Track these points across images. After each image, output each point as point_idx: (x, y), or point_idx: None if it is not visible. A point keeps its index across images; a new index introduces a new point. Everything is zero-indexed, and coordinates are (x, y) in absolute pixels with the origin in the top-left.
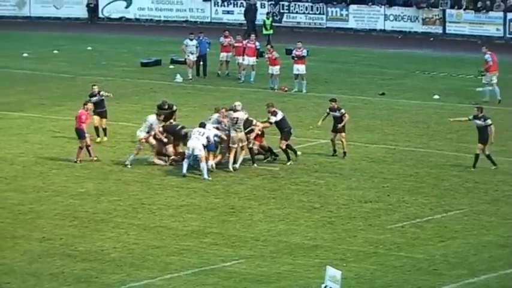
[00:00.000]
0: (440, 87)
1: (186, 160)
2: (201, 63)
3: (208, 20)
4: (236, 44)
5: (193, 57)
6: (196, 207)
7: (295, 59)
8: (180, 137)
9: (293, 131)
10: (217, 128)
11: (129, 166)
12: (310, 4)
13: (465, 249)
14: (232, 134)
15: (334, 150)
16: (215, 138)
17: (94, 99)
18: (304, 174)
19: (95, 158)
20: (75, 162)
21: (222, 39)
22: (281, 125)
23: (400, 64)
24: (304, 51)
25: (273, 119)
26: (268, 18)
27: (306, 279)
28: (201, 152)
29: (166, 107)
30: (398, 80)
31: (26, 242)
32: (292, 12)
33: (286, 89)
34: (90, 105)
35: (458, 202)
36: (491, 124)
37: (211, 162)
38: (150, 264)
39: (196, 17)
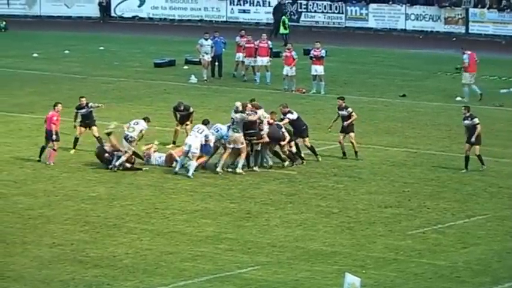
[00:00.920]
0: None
1: (182, 157)
2: (216, 63)
3: (224, 19)
4: (247, 45)
5: (208, 58)
6: (211, 212)
7: (313, 59)
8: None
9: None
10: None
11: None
12: (329, 3)
13: (488, 256)
14: (229, 133)
15: (344, 153)
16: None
17: (82, 111)
18: (322, 178)
19: (52, 163)
20: (47, 164)
21: (238, 38)
22: (298, 124)
23: (422, 65)
24: (323, 51)
25: (291, 116)
26: (286, 17)
27: (324, 286)
28: (196, 151)
29: (182, 108)
30: (420, 81)
31: (35, 248)
32: (310, 11)
33: (303, 90)
34: (60, 107)
35: (481, 207)
36: (478, 123)
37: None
38: (164, 271)
39: (212, 16)
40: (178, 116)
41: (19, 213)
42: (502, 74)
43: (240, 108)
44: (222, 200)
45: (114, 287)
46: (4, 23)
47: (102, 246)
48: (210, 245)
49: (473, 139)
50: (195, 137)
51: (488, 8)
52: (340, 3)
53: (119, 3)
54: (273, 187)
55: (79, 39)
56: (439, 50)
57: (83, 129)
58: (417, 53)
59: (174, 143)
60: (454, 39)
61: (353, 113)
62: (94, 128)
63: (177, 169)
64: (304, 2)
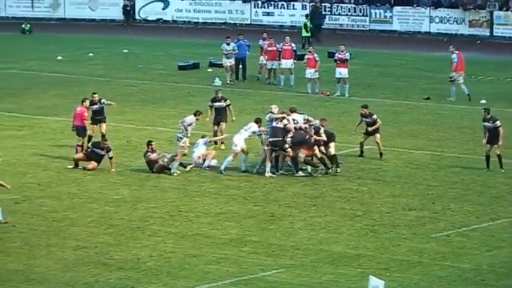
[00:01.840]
0: (487, 92)
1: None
2: (240, 66)
3: (248, 22)
4: (269, 48)
5: (229, 62)
6: (235, 214)
7: (338, 62)
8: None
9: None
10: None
11: (175, 174)
12: (353, 6)
13: None
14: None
15: (362, 151)
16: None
17: (95, 107)
18: (346, 181)
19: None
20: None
21: (261, 42)
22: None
23: (446, 68)
24: (347, 54)
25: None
26: (308, 20)
27: None
28: (237, 148)
29: (220, 97)
30: (444, 84)
31: (60, 250)
32: (335, 14)
33: (328, 93)
34: (87, 102)
35: (505, 210)
36: (500, 126)
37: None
38: (188, 274)
39: (236, 19)
40: (214, 112)
41: (43, 215)
42: None
43: (275, 111)
44: (246, 202)
45: None
46: (28, 25)
47: (126, 248)
48: (234, 248)
49: (494, 140)
50: (240, 135)
51: None
52: (364, 5)
53: (143, 6)
54: (297, 190)
55: (103, 42)
56: (464, 52)
57: (95, 126)
58: (442, 56)
59: (216, 143)
60: (479, 42)
61: (378, 120)
62: (103, 124)
63: (222, 167)
64: (329, 5)
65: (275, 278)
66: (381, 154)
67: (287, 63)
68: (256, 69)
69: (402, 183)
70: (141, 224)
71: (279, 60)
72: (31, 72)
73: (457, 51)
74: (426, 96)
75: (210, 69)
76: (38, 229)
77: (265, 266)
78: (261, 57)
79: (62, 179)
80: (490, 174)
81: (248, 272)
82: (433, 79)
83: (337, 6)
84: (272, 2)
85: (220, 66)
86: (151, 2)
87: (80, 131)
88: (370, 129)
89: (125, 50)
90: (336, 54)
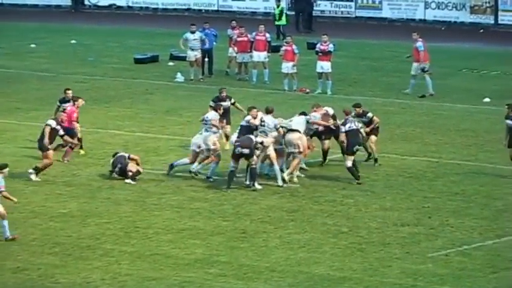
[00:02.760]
0: (491, 89)
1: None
2: (207, 59)
3: (215, 8)
4: (239, 39)
5: (194, 55)
6: (200, 231)
7: (320, 54)
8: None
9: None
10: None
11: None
12: None
13: None
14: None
15: (369, 154)
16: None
17: (67, 105)
18: (329, 192)
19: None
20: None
21: (229, 31)
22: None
23: (444, 61)
24: (331, 45)
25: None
26: (278, 6)
27: None
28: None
29: (225, 95)
30: (442, 79)
31: None
32: None
33: (307, 90)
34: (81, 101)
35: None
36: None
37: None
38: None
39: (201, 5)
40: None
41: None
42: None
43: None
44: (213, 217)
45: None
46: None
47: (74, 270)
48: (199, 270)
49: None
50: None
51: None
52: None
53: None
54: (272, 202)
55: (47, 31)
56: (465, 43)
57: None
58: (439, 47)
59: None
60: (482, 30)
61: (374, 117)
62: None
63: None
64: None
65: None
66: (375, 160)
67: (260, 55)
68: (224, 62)
69: (394, 194)
70: (91, 242)
71: (251, 52)
72: None
73: (420, 39)
74: (421, 94)
75: (171, 63)
76: None
77: None
78: (230, 49)
79: None
80: (495, 184)
81: None
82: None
83: None
84: None
85: (183, 59)
86: None
87: (69, 133)
88: (367, 129)
89: (73, 41)
90: (318, 46)
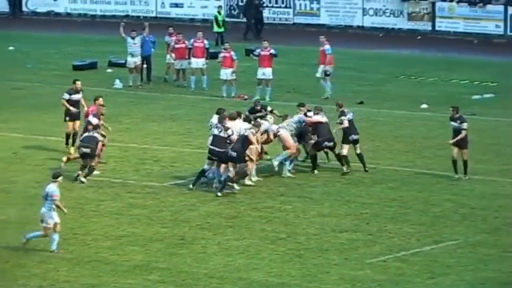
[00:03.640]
0: (429, 95)
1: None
2: (145, 66)
3: (153, 14)
4: (177, 46)
5: (134, 61)
6: (139, 237)
7: (260, 57)
8: None
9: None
10: None
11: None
12: None
13: None
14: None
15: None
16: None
17: (76, 96)
18: (267, 199)
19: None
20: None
21: (167, 38)
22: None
23: (382, 67)
24: (272, 50)
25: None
26: (220, 13)
27: None
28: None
29: (260, 107)
30: (380, 86)
31: None
32: None
33: (245, 97)
34: (101, 100)
35: (451, 231)
36: (465, 129)
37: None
38: None
39: (139, 11)
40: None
41: None
42: (474, 77)
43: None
44: (152, 223)
45: None
46: None
47: (12, 277)
48: (138, 276)
49: (460, 143)
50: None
51: (458, 2)
52: None
53: None
54: (211, 209)
55: None
56: (402, 50)
57: (71, 123)
58: (377, 54)
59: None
60: (419, 37)
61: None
62: (78, 122)
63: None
64: None
65: None
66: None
67: (198, 62)
68: (163, 69)
69: (332, 200)
70: (29, 248)
71: (189, 59)
72: None
73: (327, 42)
74: (359, 100)
75: (109, 70)
76: None
77: None
78: (168, 56)
79: None
80: (432, 190)
81: None
82: (367, 80)
83: None
84: None
85: (122, 66)
86: None
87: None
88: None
89: (11, 47)
90: (258, 51)
